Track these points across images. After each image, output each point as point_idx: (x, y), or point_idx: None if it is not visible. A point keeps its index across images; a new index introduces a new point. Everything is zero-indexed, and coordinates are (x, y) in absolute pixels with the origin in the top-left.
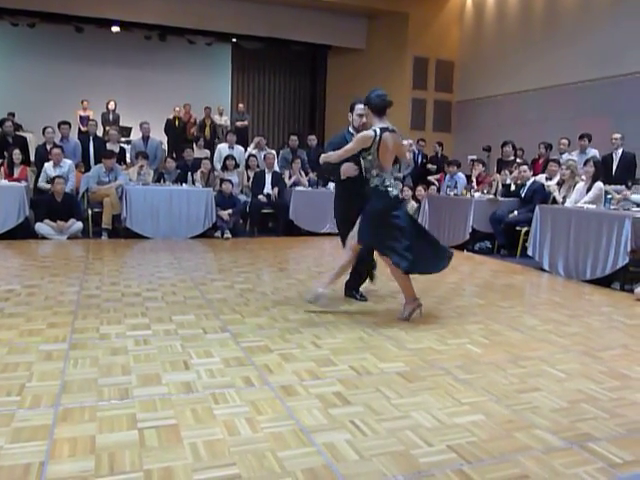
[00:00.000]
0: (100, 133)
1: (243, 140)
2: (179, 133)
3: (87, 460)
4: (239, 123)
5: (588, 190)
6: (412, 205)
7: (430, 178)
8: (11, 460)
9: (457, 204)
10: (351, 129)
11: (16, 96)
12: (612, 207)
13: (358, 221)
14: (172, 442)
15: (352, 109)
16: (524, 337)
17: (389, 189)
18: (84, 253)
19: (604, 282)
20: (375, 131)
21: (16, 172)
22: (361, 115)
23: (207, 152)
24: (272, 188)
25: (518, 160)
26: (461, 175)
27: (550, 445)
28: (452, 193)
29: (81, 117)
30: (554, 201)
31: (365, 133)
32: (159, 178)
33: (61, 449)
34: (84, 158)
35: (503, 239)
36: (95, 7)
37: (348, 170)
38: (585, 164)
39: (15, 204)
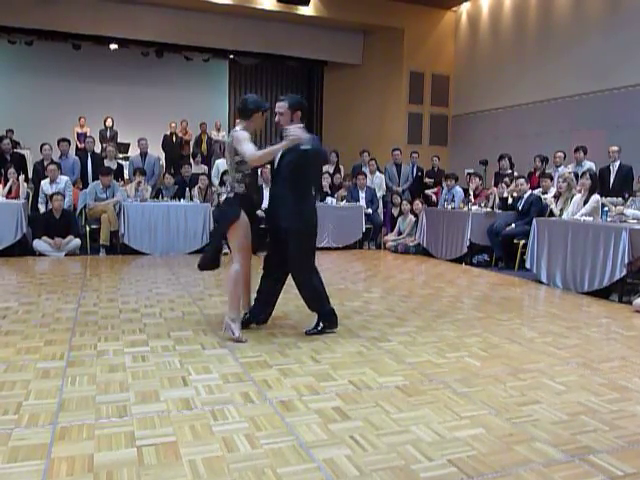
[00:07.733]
0: (98, 150)
1: None
2: (176, 149)
3: (85, 479)
4: None
5: (585, 202)
6: (410, 219)
7: (427, 192)
8: None
9: (455, 217)
10: None
11: (14, 113)
12: (609, 219)
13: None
14: (171, 459)
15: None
16: (523, 350)
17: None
18: (82, 270)
19: (602, 294)
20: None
21: (13, 189)
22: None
23: (204, 168)
24: None
25: (515, 173)
26: (458, 189)
27: (551, 458)
28: (449, 207)
29: (79, 134)
30: (551, 214)
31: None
32: (157, 194)
33: (59, 468)
34: (82, 175)
35: (501, 252)
36: (93, 25)
37: None
38: (582, 177)
39: (13, 221)
